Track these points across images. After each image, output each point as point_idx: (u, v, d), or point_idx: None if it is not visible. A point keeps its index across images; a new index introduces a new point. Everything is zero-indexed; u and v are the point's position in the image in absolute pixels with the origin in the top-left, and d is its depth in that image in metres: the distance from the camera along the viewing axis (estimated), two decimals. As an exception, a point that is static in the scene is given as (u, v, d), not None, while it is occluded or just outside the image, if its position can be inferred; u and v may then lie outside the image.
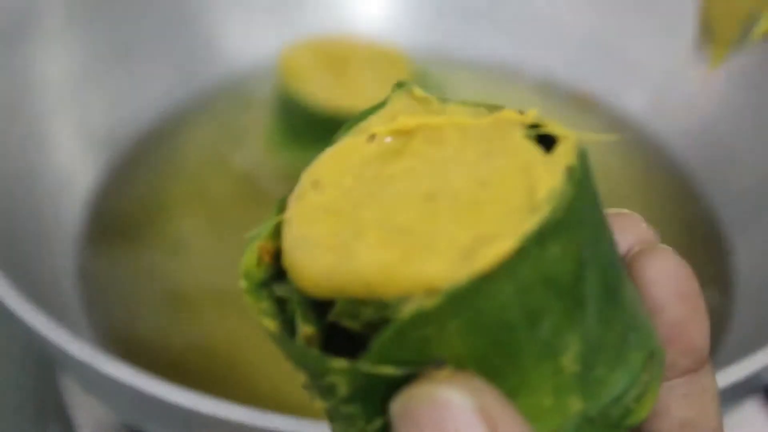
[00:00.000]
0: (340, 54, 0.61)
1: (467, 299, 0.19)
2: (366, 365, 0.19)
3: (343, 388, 0.20)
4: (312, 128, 0.59)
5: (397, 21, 0.67)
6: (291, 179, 0.59)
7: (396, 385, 0.19)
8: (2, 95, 0.55)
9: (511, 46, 0.66)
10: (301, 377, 0.22)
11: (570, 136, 0.21)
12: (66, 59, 0.59)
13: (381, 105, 0.24)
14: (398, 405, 0.19)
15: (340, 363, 0.20)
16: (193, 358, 0.50)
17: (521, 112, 0.22)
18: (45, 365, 0.52)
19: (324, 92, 0.59)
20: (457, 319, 0.19)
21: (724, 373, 0.38)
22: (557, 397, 0.21)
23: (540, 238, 0.19)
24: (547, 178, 0.20)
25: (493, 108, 0.22)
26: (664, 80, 0.62)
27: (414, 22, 0.67)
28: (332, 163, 0.23)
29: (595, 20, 0.65)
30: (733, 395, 0.41)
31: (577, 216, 0.20)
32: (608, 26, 0.64)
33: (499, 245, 0.19)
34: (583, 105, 0.64)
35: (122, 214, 0.57)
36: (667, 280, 0.22)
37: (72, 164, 0.57)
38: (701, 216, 0.57)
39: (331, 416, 0.21)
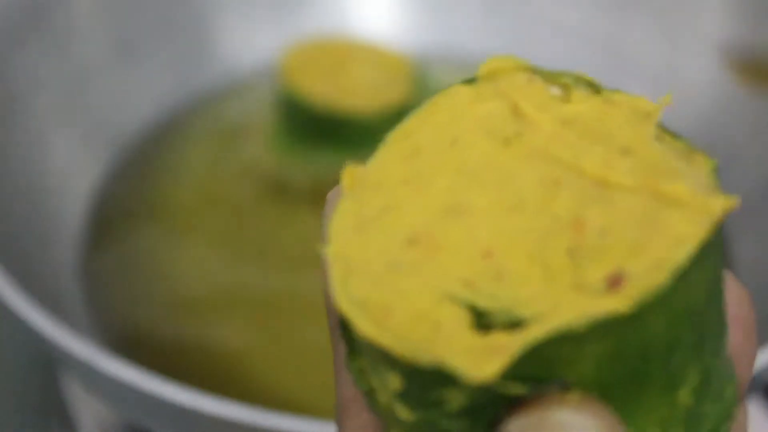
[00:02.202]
0: (341, 54, 0.61)
1: (622, 326, 0.18)
2: (499, 381, 0.18)
3: (455, 403, 0.18)
4: (313, 128, 0.59)
5: (397, 21, 0.67)
6: (291, 178, 0.59)
7: (508, 402, 0.18)
8: (2, 95, 0.55)
9: (511, 46, 0.66)
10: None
11: (703, 154, 0.20)
12: (67, 59, 0.59)
13: (471, 81, 0.22)
14: (520, 426, 0.18)
15: (484, 374, 0.18)
16: (194, 357, 0.50)
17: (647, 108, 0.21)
18: (46, 364, 0.52)
19: (325, 92, 0.59)
20: (601, 344, 0.18)
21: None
22: (663, 430, 0.20)
23: (696, 262, 0.18)
24: (692, 194, 0.19)
25: (609, 94, 0.21)
26: (664, 80, 0.62)
27: (414, 22, 0.67)
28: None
29: (595, 20, 0.65)
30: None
31: (718, 238, 0.19)
32: (609, 26, 0.64)
33: (660, 274, 0.18)
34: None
35: (123, 213, 0.57)
36: (729, 304, 0.21)
37: (72, 163, 0.57)
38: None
39: (415, 426, 0.20)
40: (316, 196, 0.58)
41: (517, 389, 0.18)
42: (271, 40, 0.64)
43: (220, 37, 0.64)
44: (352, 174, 0.20)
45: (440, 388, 0.18)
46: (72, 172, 0.57)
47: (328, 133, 0.59)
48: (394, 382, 0.19)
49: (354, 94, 0.59)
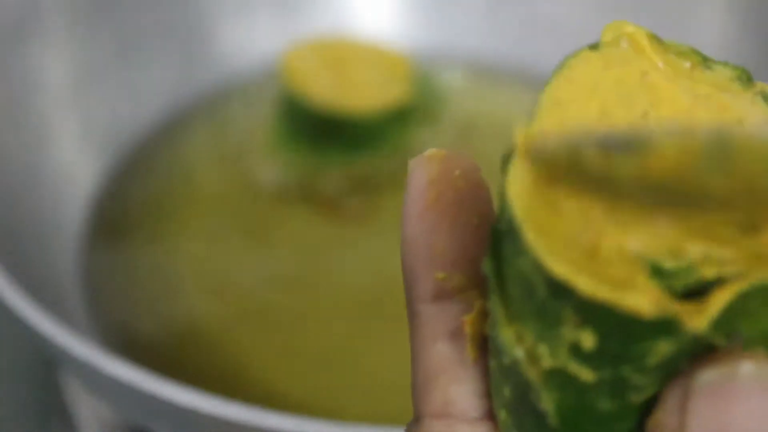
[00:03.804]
0: (341, 54, 0.61)
1: None
2: (711, 331, 0.19)
3: (656, 356, 0.19)
4: (313, 128, 0.59)
5: (397, 21, 0.67)
6: (291, 178, 0.59)
7: (693, 356, 0.19)
8: (2, 95, 0.55)
9: (511, 46, 0.66)
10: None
11: None
12: (67, 59, 0.59)
13: (594, 46, 0.22)
14: (714, 374, 0.19)
15: (701, 320, 0.18)
16: (194, 357, 0.50)
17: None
18: (46, 365, 0.52)
19: (325, 92, 0.59)
20: None
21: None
22: None
23: None
24: None
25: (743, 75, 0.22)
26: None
27: (414, 22, 0.67)
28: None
29: (595, 21, 0.65)
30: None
31: None
32: (608, 26, 0.64)
33: None
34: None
35: (123, 213, 0.57)
36: None
37: (73, 164, 0.57)
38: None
39: (593, 386, 0.20)
40: (316, 196, 0.58)
41: (720, 340, 0.19)
42: (271, 40, 0.64)
43: (220, 37, 0.65)
44: (525, 137, 0.21)
45: (647, 341, 0.19)
46: (73, 173, 0.57)
47: (328, 133, 0.59)
48: (586, 340, 0.19)
49: (354, 94, 0.59)
